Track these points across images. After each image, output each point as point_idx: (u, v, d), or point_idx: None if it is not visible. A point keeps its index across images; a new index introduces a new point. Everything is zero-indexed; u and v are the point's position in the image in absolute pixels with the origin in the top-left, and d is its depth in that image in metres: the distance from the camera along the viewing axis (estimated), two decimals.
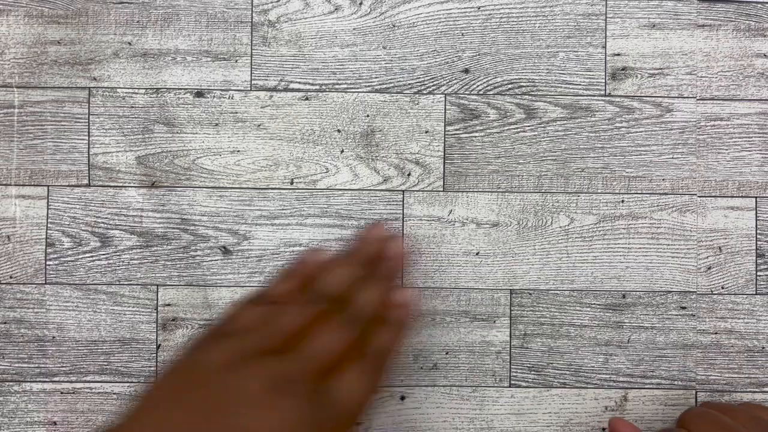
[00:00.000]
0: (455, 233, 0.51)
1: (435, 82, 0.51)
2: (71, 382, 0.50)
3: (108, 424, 0.30)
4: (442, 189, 0.51)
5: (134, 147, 0.51)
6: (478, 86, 0.51)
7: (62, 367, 0.50)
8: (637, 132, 0.51)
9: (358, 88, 0.51)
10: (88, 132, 0.51)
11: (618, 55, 0.52)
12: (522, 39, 0.52)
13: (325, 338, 0.33)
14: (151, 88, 0.51)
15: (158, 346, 0.50)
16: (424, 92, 0.51)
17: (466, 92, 0.52)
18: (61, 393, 0.50)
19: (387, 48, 0.52)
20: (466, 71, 0.52)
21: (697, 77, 0.52)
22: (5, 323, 0.50)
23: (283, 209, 0.51)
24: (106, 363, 0.50)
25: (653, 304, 0.51)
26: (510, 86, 0.52)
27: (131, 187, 0.51)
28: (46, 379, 0.50)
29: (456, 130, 0.51)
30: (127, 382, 0.50)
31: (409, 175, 0.51)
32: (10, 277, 0.51)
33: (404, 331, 0.41)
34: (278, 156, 0.51)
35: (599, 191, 0.51)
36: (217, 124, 0.51)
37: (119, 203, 0.51)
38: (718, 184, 0.51)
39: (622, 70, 0.52)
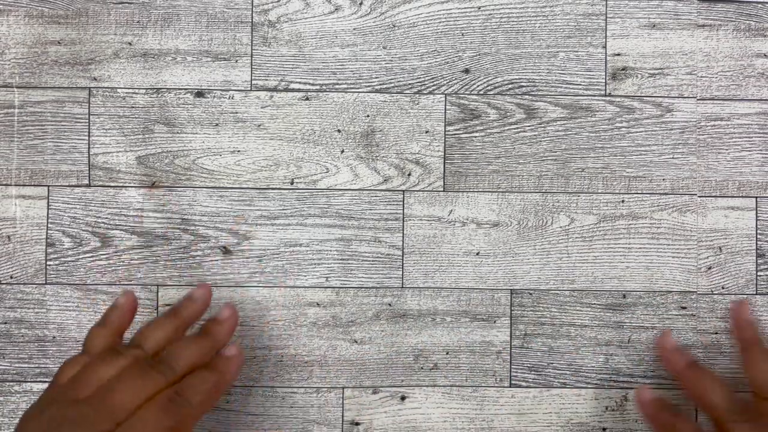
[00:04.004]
0: (455, 233, 0.51)
1: (435, 82, 0.52)
2: None
3: None
4: (442, 189, 0.51)
5: (134, 147, 0.51)
6: (478, 86, 0.51)
7: None
8: (637, 132, 0.51)
9: (358, 88, 0.52)
10: (89, 132, 0.51)
11: (618, 55, 0.52)
12: (522, 39, 0.52)
13: (126, 387, 0.34)
14: (151, 88, 0.51)
15: None
16: (425, 92, 0.51)
17: (467, 92, 0.52)
18: None
19: (387, 48, 0.52)
20: (467, 71, 0.52)
21: (697, 77, 0.52)
22: (6, 323, 0.50)
23: (283, 209, 0.51)
24: None
25: (653, 304, 0.51)
26: (510, 86, 0.52)
27: (131, 187, 0.51)
28: (47, 379, 0.50)
29: (456, 130, 0.51)
30: None
31: (409, 175, 0.51)
32: (11, 277, 0.51)
33: (223, 377, 0.39)
34: (278, 156, 0.51)
35: (599, 191, 0.51)
36: (217, 124, 0.51)
37: (119, 203, 0.51)
38: (719, 184, 0.51)
39: (623, 70, 0.52)
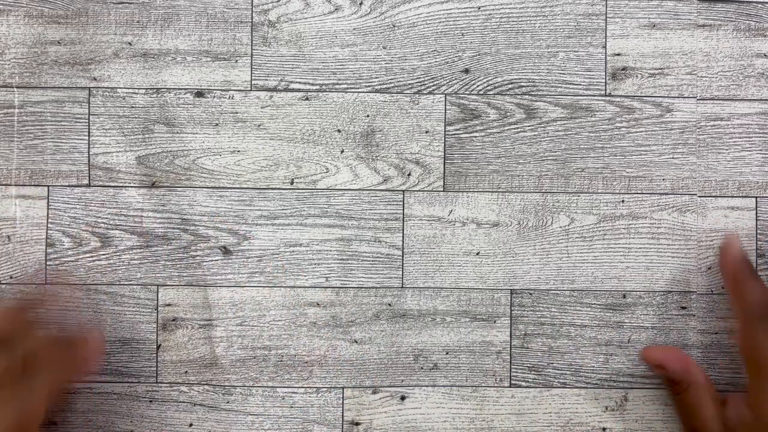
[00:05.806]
0: (455, 233, 0.51)
1: (435, 82, 0.52)
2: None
3: None
4: (442, 189, 0.51)
5: (134, 147, 0.51)
6: (478, 86, 0.51)
7: None
8: (637, 132, 0.51)
9: (358, 88, 0.52)
10: (89, 132, 0.51)
11: (618, 55, 0.52)
12: (522, 39, 0.52)
13: None
14: (151, 88, 0.51)
15: (158, 347, 0.50)
16: (425, 92, 0.51)
17: (467, 92, 0.52)
18: (61, 393, 0.50)
19: (387, 48, 0.52)
20: (467, 71, 0.52)
21: (697, 77, 0.52)
22: None
23: (283, 209, 0.51)
24: (106, 363, 0.50)
25: (653, 304, 0.51)
26: (510, 86, 0.52)
27: (131, 187, 0.51)
28: None
29: (456, 130, 0.51)
30: (128, 382, 0.50)
31: (409, 175, 0.51)
32: (10, 277, 0.51)
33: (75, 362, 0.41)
34: (278, 156, 0.51)
35: (599, 191, 0.51)
36: (217, 124, 0.51)
37: (119, 203, 0.51)
38: (719, 184, 0.51)
39: (623, 70, 0.52)
